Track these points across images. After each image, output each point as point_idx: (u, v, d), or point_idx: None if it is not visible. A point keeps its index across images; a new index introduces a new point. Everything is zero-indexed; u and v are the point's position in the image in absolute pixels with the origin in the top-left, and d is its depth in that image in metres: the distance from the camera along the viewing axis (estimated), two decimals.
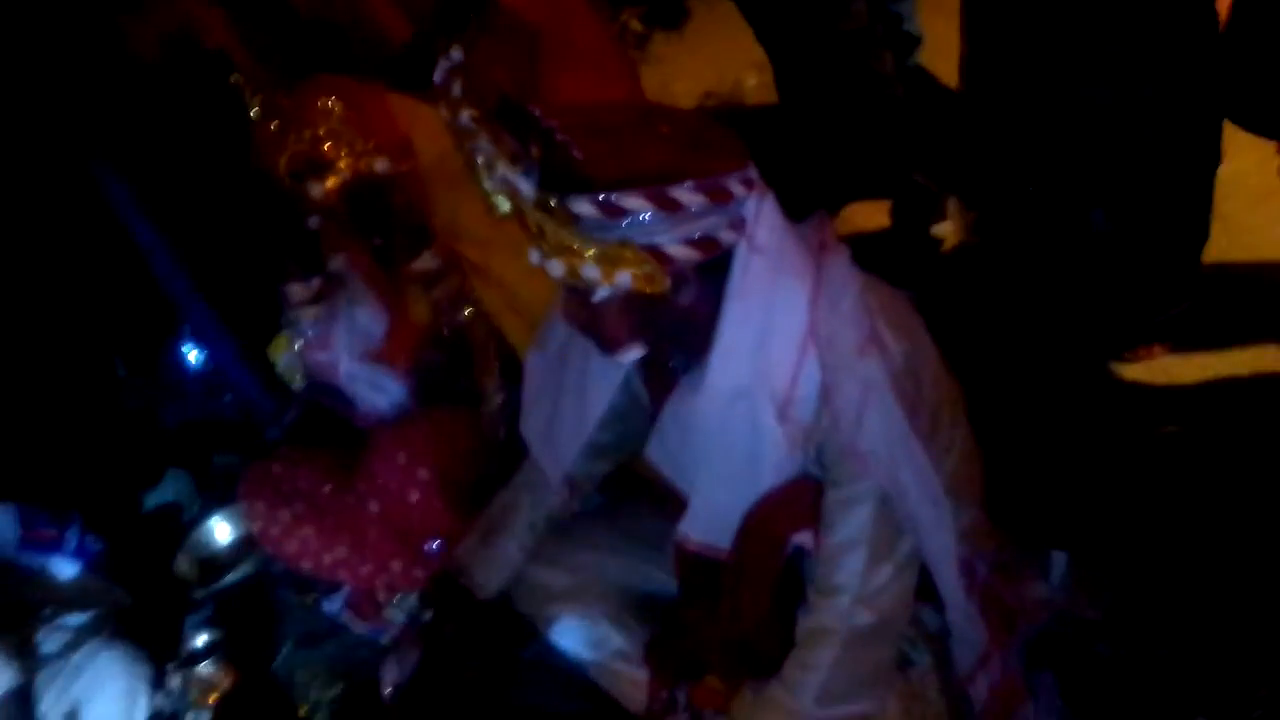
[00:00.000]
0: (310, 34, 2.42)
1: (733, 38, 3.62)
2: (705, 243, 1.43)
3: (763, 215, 1.47)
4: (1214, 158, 2.38)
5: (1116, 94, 2.24)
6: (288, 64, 2.40)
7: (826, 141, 3.07)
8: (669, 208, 1.39)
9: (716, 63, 4.24)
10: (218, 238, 2.89)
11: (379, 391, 2.30)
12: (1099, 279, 2.56)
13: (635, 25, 4.75)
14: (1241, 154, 2.41)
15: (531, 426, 1.87)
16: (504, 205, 1.42)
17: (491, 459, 2.12)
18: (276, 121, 1.99)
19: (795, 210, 1.58)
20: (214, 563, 2.61)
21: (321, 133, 1.99)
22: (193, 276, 2.93)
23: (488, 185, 1.42)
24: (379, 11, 2.36)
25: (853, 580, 1.53)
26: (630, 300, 1.46)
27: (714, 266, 1.47)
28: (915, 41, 3.09)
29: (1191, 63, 2.20)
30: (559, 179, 1.39)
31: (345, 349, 2.27)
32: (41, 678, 2.23)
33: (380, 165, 2.02)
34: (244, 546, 2.51)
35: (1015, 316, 2.66)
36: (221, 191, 2.79)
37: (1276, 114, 2.08)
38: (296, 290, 2.18)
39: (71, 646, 2.28)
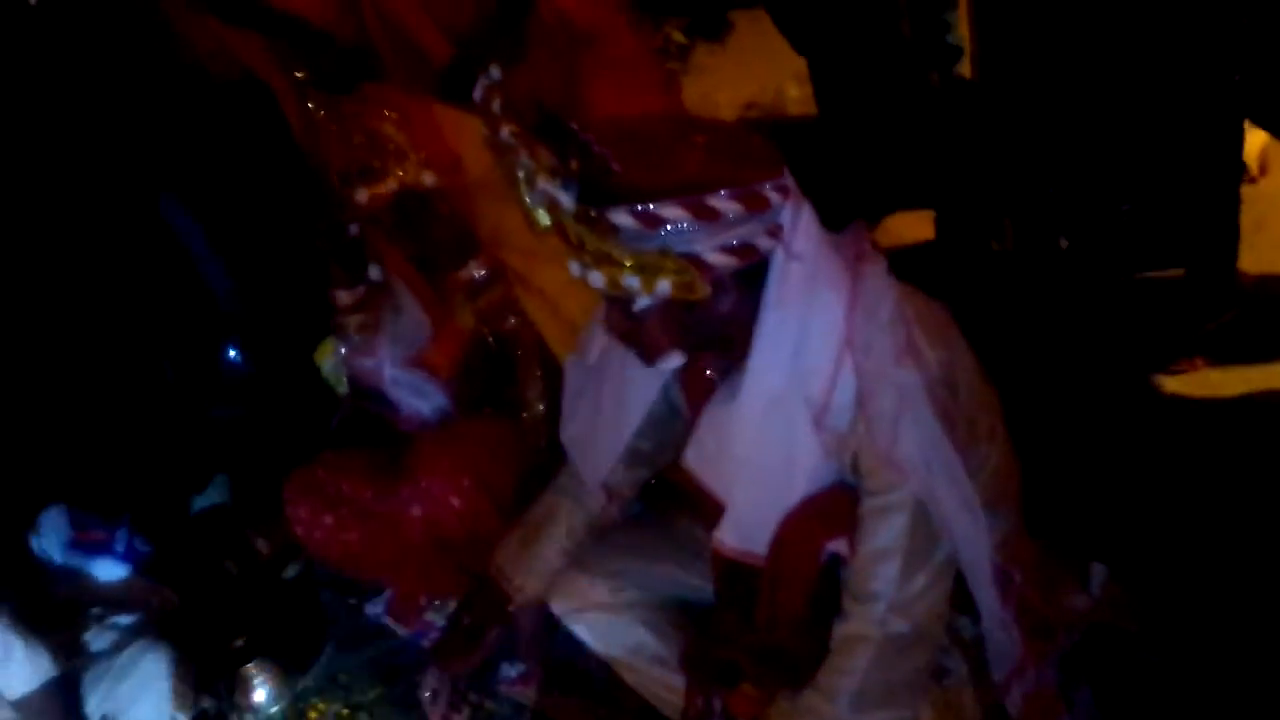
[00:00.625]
0: (349, 59, 2.47)
1: (774, 49, 3.63)
2: (743, 249, 1.45)
3: (800, 222, 1.48)
4: (1235, 157, 2.37)
5: (1130, 90, 2.24)
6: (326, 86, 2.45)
7: (867, 152, 3.08)
8: (706, 216, 1.41)
9: (758, 74, 4.26)
10: (266, 242, 2.95)
11: (422, 398, 2.33)
12: (1137, 290, 2.56)
13: (678, 36, 4.78)
14: None
15: (571, 433, 1.90)
16: (544, 219, 1.44)
17: (533, 466, 2.14)
18: (334, 127, 2.03)
19: (833, 221, 1.59)
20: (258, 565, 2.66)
21: (373, 142, 2.03)
22: (240, 280, 2.99)
23: (528, 199, 1.44)
24: (420, 34, 2.39)
25: (888, 588, 1.53)
26: (670, 309, 1.48)
27: (752, 274, 1.48)
28: (958, 53, 3.09)
29: (1206, 59, 2.20)
30: (598, 191, 1.41)
31: (389, 355, 2.31)
32: (89, 676, 2.27)
33: (428, 178, 2.05)
34: (289, 549, 2.54)
35: (1055, 326, 2.65)
36: (271, 197, 2.84)
37: None
38: (343, 296, 2.22)
39: (118, 647, 2.32)
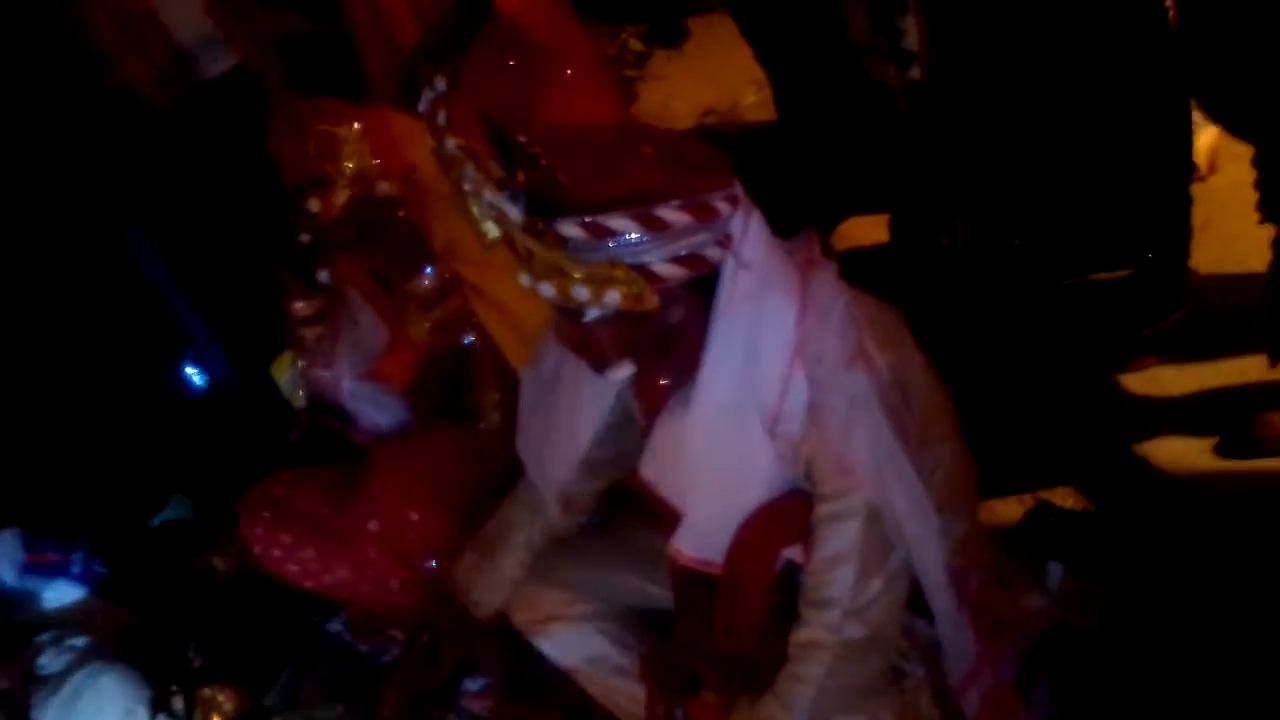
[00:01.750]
0: (324, 45, 2.46)
1: (732, 56, 3.66)
2: (692, 260, 1.45)
3: (749, 231, 1.48)
4: (1185, 155, 2.40)
5: (1080, 89, 2.27)
6: (301, 77, 2.44)
7: (826, 156, 3.09)
8: (655, 227, 1.41)
9: (716, 80, 4.27)
10: (220, 255, 2.92)
11: (380, 410, 2.32)
12: (1089, 288, 2.58)
13: (635, 44, 4.78)
14: (1235, 164, 2.42)
15: (526, 444, 1.89)
16: (493, 231, 1.45)
17: (491, 477, 2.12)
18: (291, 136, 2.01)
19: (784, 227, 1.60)
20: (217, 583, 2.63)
21: (326, 151, 2.02)
22: (196, 297, 2.97)
23: (475, 211, 1.44)
24: (397, 27, 2.38)
25: (844, 594, 1.54)
26: (620, 320, 1.48)
27: (702, 284, 1.48)
28: (913, 56, 3.11)
29: (1149, 56, 2.23)
30: (545, 203, 1.41)
31: (347, 366, 2.29)
32: (39, 699, 2.23)
33: (383, 187, 2.04)
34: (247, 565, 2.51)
35: (1007, 326, 2.67)
36: (225, 212, 2.82)
37: (1238, 108, 2.10)
38: (299, 307, 2.20)
39: (73, 668, 2.29)
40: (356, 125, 2.03)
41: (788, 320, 1.51)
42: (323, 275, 2.17)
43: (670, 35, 4.75)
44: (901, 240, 2.97)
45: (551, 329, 1.61)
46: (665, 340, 1.53)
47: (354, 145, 2.01)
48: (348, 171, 2.01)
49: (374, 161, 2.03)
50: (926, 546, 1.55)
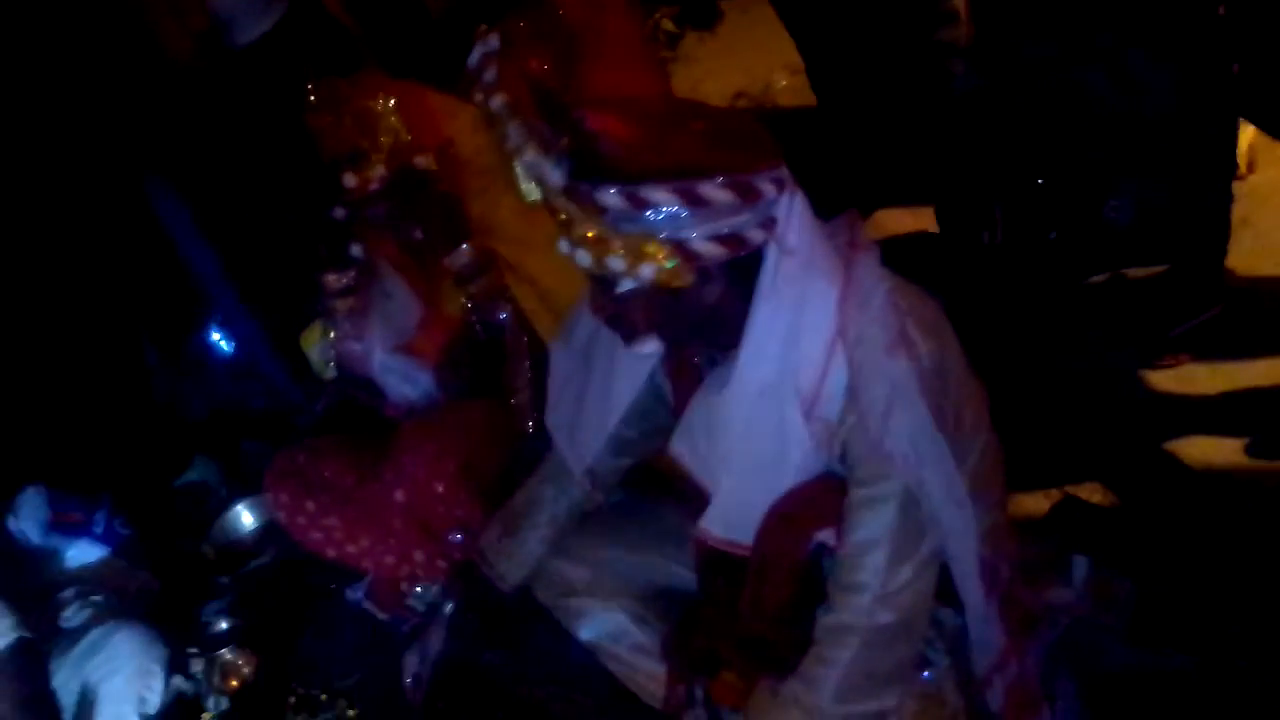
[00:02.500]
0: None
1: (764, 39, 3.63)
2: (733, 240, 1.43)
3: (793, 216, 1.46)
4: (1228, 151, 2.38)
5: (1111, 76, 2.24)
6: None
7: (863, 142, 3.07)
8: (697, 203, 1.39)
9: (748, 63, 4.25)
10: (252, 225, 2.92)
11: (410, 384, 2.32)
12: (1124, 284, 2.56)
13: (668, 25, 4.76)
14: (1276, 165, 2.40)
15: (556, 419, 1.89)
16: (534, 193, 1.43)
17: (518, 452, 2.12)
18: (329, 110, 2.00)
19: (827, 209, 1.58)
20: (239, 548, 2.64)
21: (363, 126, 2.01)
22: (224, 263, 2.97)
23: (517, 170, 1.43)
24: None
25: (874, 579, 1.53)
26: (654, 294, 1.46)
27: (741, 264, 1.46)
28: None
29: (1191, 51, 2.20)
30: (587, 169, 1.40)
31: (379, 339, 2.29)
32: (58, 650, 2.24)
33: (420, 162, 2.03)
34: (269, 533, 2.52)
35: (1041, 320, 2.65)
36: (257, 180, 2.82)
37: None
38: (331, 280, 2.19)
39: (92, 623, 2.30)
40: (394, 100, 2.02)
41: (829, 304, 1.50)
42: (356, 250, 2.17)
43: (703, 17, 4.73)
44: (942, 229, 2.93)
45: (586, 298, 1.59)
46: (699, 319, 1.51)
47: (391, 120, 2.01)
48: (384, 146, 2.01)
49: (410, 137, 2.02)
50: (960, 535, 1.55)
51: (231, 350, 3.08)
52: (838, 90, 3.06)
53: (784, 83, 4.05)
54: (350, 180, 2.00)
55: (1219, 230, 2.46)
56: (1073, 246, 2.58)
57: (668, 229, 1.40)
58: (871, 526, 1.52)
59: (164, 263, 2.99)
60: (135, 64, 2.74)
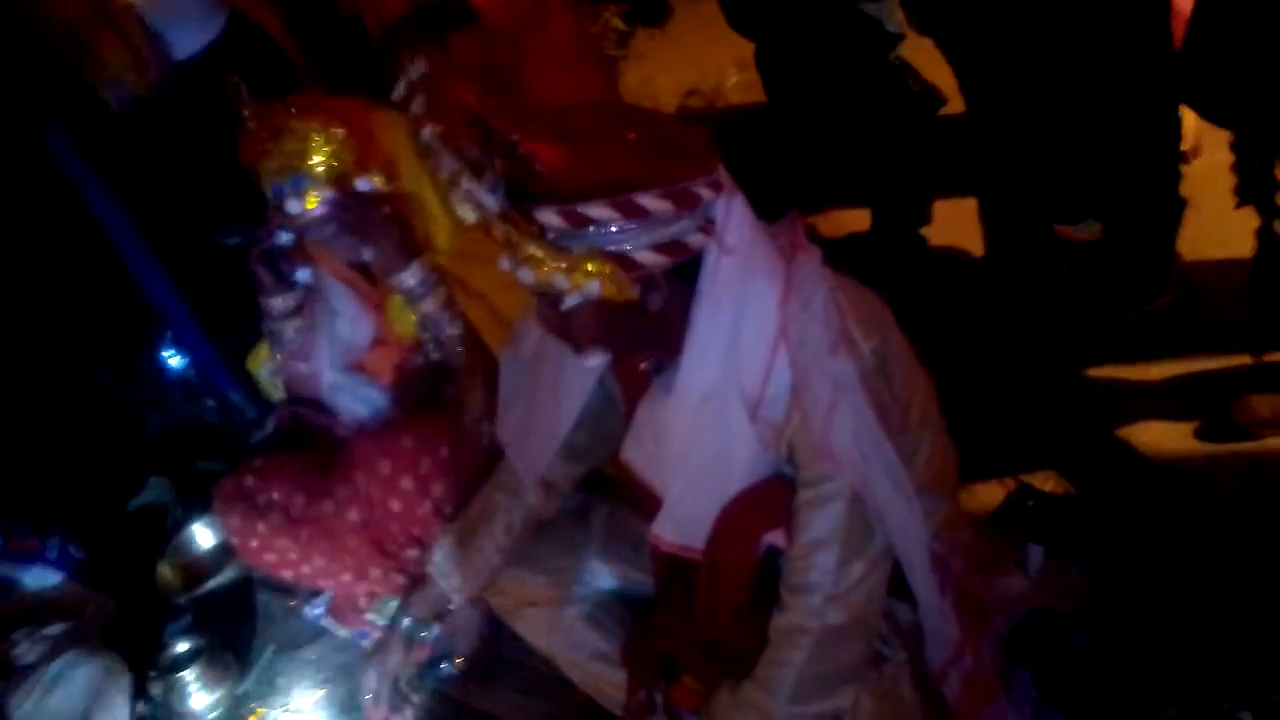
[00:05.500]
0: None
1: (716, 35, 3.62)
2: (673, 248, 1.44)
3: (732, 217, 1.47)
4: (1172, 140, 2.40)
5: (1065, 73, 2.26)
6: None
7: (812, 139, 3.08)
8: (635, 215, 1.40)
9: (699, 60, 4.23)
10: (199, 245, 2.89)
11: (362, 402, 2.29)
12: (1080, 275, 2.58)
13: (617, 23, 4.73)
14: (1219, 148, 2.42)
15: (507, 429, 1.88)
16: (470, 215, 1.42)
17: (474, 468, 2.10)
18: (266, 133, 1.96)
19: (768, 210, 1.58)
20: (196, 568, 2.61)
21: (304, 149, 1.97)
22: (175, 281, 2.93)
23: (453, 198, 1.42)
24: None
25: (825, 578, 1.53)
26: (601, 306, 1.46)
27: (684, 270, 1.47)
28: (898, 38, 3.10)
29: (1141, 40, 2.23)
30: (525, 191, 1.39)
31: (327, 359, 2.26)
32: (17, 690, 2.19)
33: (363, 183, 2.00)
34: (226, 552, 2.49)
35: (993, 311, 2.67)
36: (200, 200, 2.79)
37: (1226, 101, 2.09)
38: (277, 303, 2.16)
39: (49, 657, 2.25)
40: (332, 120, 1.98)
41: (771, 305, 1.50)
42: (302, 274, 2.13)
43: (653, 14, 4.71)
44: (884, 226, 2.95)
45: (533, 313, 1.59)
46: (646, 326, 1.51)
47: (330, 141, 1.97)
48: (325, 169, 1.97)
49: (350, 157, 1.99)
50: (908, 531, 1.55)
51: (184, 368, 3.04)
52: (787, 90, 3.07)
53: (735, 79, 4.02)
54: (293, 206, 1.96)
55: (1169, 219, 2.48)
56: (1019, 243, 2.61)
57: (608, 242, 1.41)
58: (820, 526, 1.53)
59: (113, 281, 2.95)
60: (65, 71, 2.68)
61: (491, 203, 1.40)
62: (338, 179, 1.97)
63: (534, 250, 1.41)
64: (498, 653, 2.07)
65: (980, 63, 2.44)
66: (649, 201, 1.39)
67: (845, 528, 1.52)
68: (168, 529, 2.73)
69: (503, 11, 2.14)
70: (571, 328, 1.51)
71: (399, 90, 1.34)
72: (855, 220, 3.03)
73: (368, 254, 2.08)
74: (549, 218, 1.39)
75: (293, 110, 1.97)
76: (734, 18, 3.04)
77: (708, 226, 1.45)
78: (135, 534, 2.77)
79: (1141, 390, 2.46)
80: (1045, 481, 2.30)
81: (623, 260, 1.42)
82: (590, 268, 1.41)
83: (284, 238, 2.06)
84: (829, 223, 3.07)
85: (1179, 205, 2.50)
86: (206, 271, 2.86)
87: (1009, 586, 1.86)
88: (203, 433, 2.99)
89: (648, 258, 1.43)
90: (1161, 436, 2.35)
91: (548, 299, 1.49)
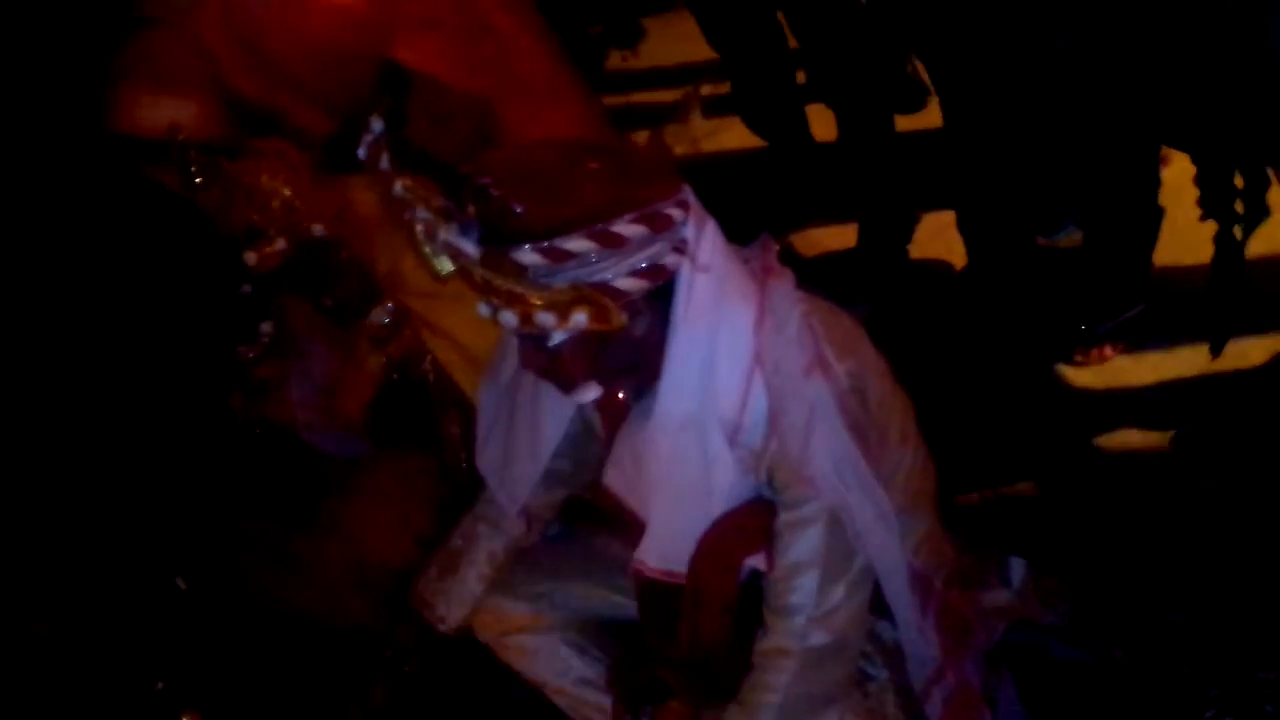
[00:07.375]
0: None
1: (687, 55, 3.65)
2: (652, 271, 1.45)
3: (704, 235, 1.48)
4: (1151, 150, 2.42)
5: (1041, 94, 2.27)
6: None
7: (788, 160, 3.09)
8: (613, 243, 1.40)
9: (672, 80, 4.25)
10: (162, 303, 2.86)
11: (335, 442, 2.28)
12: (1055, 285, 2.60)
13: None
14: (1185, 157, 2.44)
15: (487, 459, 1.88)
16: (446, 266, 1.42)
17: (454, 501, 2.10)
18: (218, 187, 1.96)
19: (740, 235, 1.60)
20: None
21: (254, 200, 1.97)
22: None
23: (428, 249, 1.42)
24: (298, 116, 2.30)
25: (807, 601, 1.54)
26: (586, 340, 1.47)
27: (663, 293, 1.48)
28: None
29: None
30: (500, 233, 1.40)
31: (298, 404, 2.25)
32: None
33: (317, 229, 1.99)
34: None
35: (969, 325, 2.68)
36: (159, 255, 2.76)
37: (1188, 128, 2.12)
38: (243, 352, 2.15)
39: None
40: (281, 171, 1.98)
41: (745, 330, 1.51)
42: (265, 326, 2.13)
43: (626, 36, 4.72)
44: (870, 242, 2.95)
45: (519, 356, 1.59)
46: (631, 355, 1.52)
47: (281, 192, 1.96)
48: (279, 219, 1.97)
49: (303, 205, 1.98)
50: (888, 551, 1.57)
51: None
52: (760, 107, 3.09)
53: (708, 92, 4.05)
54: (250, 259, 1.96)
55: (1148, 227, 2.50)
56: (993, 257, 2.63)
57: (589, 274, 1.41)
58: (800, 549, 1.54)
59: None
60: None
61: (470, 249, 1.40)
62: (291, 228, 1.97)
63: (516, 290, 1.41)
64: (484, 682, 2.06)
65: (961, 66, 2.45)
66: (624, 228, 1.40)
67: (826, 550, 1.54)
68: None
69: (467, 72, 2.11)
70: (559, 365, 1.51)
71: (362, 151, 1.35)
72: (832, 239, 3.05)
73: (328, 300, 2.08)
74: (528, 257, 1.39)
75: (240, 162, 1.96)
76: (712, 34, 3.06)
77: (681, 245, 1.46)
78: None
79: (1117, 398, 2.48)
80: (1025, 493, 2.31)
81: (606, 289, 1.42)
82: (575, 300, 1.41)
83: (245, 288, 2.06)
84: (805, 242, 3.08)
85: (1158, 213, 2.52)
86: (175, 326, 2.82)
87: (992, 600, 1.87)
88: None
89: (629, 284, 1.43)
90: (1138, 444, 2.37)
91: (531, 340, 1.49)
